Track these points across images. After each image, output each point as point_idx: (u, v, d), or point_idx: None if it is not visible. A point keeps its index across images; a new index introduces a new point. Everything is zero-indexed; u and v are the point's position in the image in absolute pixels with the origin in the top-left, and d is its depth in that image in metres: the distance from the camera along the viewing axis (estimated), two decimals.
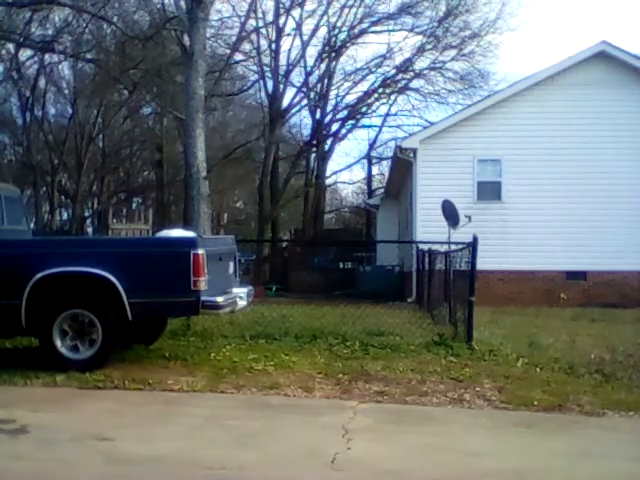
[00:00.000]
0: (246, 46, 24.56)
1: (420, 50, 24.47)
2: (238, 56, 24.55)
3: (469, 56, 24.13)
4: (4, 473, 3.72)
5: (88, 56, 20.93)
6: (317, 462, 3.98)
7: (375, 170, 33.65)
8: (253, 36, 24.29)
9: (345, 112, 27.04)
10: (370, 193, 31.12)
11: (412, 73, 25.43)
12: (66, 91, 28.62)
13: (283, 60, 25.14)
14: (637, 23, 54.25)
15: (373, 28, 25.11)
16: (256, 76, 25.89)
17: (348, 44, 25.61)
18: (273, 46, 25.11)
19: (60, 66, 26.22)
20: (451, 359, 7.04)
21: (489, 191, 14.70)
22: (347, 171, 40.61)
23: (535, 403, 5.25)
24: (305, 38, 25.02)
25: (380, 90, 26.13)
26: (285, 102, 25.24)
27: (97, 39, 20.48)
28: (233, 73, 26.55)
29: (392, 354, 7.27)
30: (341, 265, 21.56)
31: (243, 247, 16.59)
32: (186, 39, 14.65)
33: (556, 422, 4.95)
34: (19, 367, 6.34)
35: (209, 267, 6.43)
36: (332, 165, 51.09)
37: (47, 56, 23.21)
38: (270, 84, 25.28)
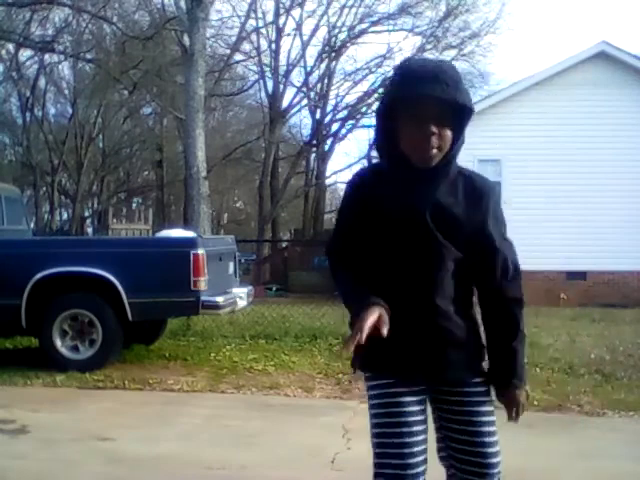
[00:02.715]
0: (246, 46, 24.60)
1: (420, 50, 24.44)
2: (238, 56, 24.58)
3: (469, 56, 24.11)
4: (4, 473, 3.72)
5: (88, 56, 20.93)
6: (317, 462, 3.98)
7: None
8: (253, 36, 24.31)
9: (345, 112, 27.02)
10: None
11: None
12: (66, 91, 28.63)
13: (283, 60, 25.16)
14: (637, 23, 54.29)
15: (373, 28, 25.09)
16: (256, 76, 25.90)
17: (348, 44, 25.58)
18: (273, 46, 25.11)
19: (60, 66, 26.27)
20: None
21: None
22: (347, 171, 40.65)
23: (535, 403, 5.25)
24: (305, 38, 25.03)
25: (380, 90, 26.10)
26: (285, 102, 25.25)
27: (97, 39, 20.49)
28: (233, 73, 26.57)
29: None
30: None
31: (243, 247, 16.58)
32: (186, 39, 14.66)
33: (556, 422, 4.95)
34: (19, 367, 6.35)
35: (209, 267, 6.44)
36: (332, 165, 51.21)
37: (47, 56, 23.22)
38: (270, 84, 25.29)
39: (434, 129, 1.85)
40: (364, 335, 1.74)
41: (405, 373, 1.93)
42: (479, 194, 1.98)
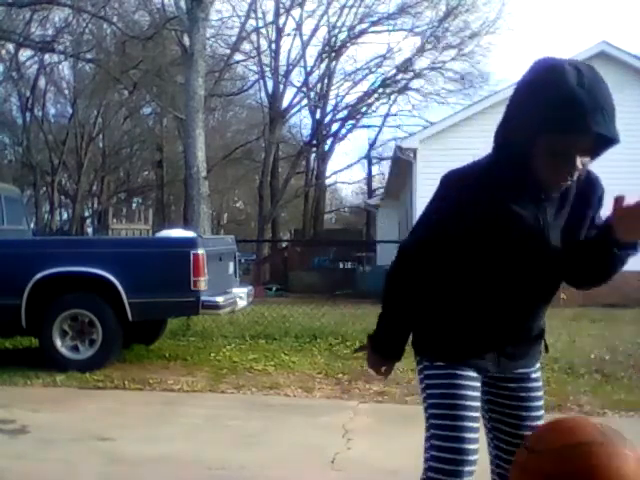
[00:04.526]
0: (246, 46, 24.64)
1: (420, 50, 24.49)
2: (238, 56, 24.62)
3: (469, 56, 24.16)
4: (4, 473, 3.71)
5: (88, 56, 20.95)
6: (317, 462, 3.98)
7: (375, 170, 33.71)
8: (253, 36, 24.35)
9: (345, 112, 27.05)
10: (370, 193, 31.14)
11: (412, 73, 25.44)
12: (66, 91, 28.68)
13: (283, 60, 25.21)
14: (637, 23, 54.30)
15: (373, 28, 25.15)
16: (256, 76, 25.95)
17: (348, 44, 25.64)
18: (273, 46, 25.15)
19: (60, 66, 26.33)
20: None
21: None
22: (347, 171, 40.73)
23: None
24: (305, 38, 25.08)
25: (380, 90, 26.14)
26: (285, 102, 25.30)
27: (97, 39, 20.50)
28: (233, 73, 26.60)
29: None
30: (341, 265, 21.56)
31: (243, 247, 16.59)
32: (186, 39, 14.67)
33: None
34: (19, 367, 6.34)
35: (209, 267, 6.44)
36: (332, 165, 51.23)
37: (47, 56, 23.26)
38: (270, 84, 25.32)
39: (580, 164, 1.70)
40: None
41: (477, 363, 1.89)
42: (590, 191, 1.86)
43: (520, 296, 1.87)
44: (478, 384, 1.90)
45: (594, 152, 1.74)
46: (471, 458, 1.80)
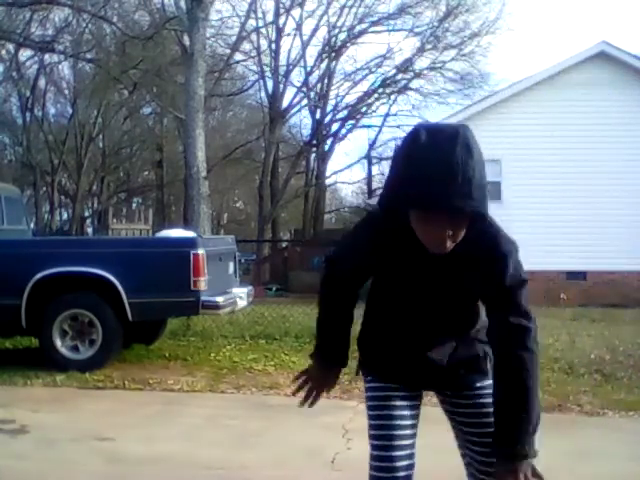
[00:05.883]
0: (246, 46, 24.62)
1: (420, 50, 24.46)
2: (238, 56, 24.59)
3: (469, 56, 24.11)
4: (4, 473, 3.71)
5: (88, 56, 20.94)
6: (317, 462, 3.98)
7: (375, 170, 33.67)
8: (253, 36, 24.33)
9: (345, 112, 27.02)
10: (370, 193, 31.11)
11: (412, 73, 25.42)
12: (66, 91, 28.67)
13: (283, 60, 25.19)
14: (637, 23, 54.30)
15: (373, 28, 25.12)
16: (256, 76, 25.94)
17: (348, 44, 25.61)
18: (273, 46, 25.14)
19: (60, 66, 26.31)
20: None
21: (489, 191, 14.67)
22: (347, 171, 40.69)
23: None
24: (305, 38, 25.06)
25: (380, 90, 26.11)
26: (285, 102, 25.28)
27: (97, 39, 20.49)
28: (233, 73, 26.58)
29: None
30: None
31: (243, 247, 16.59)
32: (186, 39, 14.68)
33: (556, 422, 4.95)
34: (19, 367, 6.34)
35: (209, 267, 6.44)
36: (332, 165, 51.13)
37: (47, 56, 23.24)
38: (270, 84, 25.32)
39: (449, 232, 1.68)
40: (316, 400, 2.13)
41: (407, 383, 1.98)
42: (491, 262, 1.81)
43: (420, 320, 1.94)
44: (410, 400, 1.97)
45: (467, 220, 1.69)
46: (402, 464, 1.89)
